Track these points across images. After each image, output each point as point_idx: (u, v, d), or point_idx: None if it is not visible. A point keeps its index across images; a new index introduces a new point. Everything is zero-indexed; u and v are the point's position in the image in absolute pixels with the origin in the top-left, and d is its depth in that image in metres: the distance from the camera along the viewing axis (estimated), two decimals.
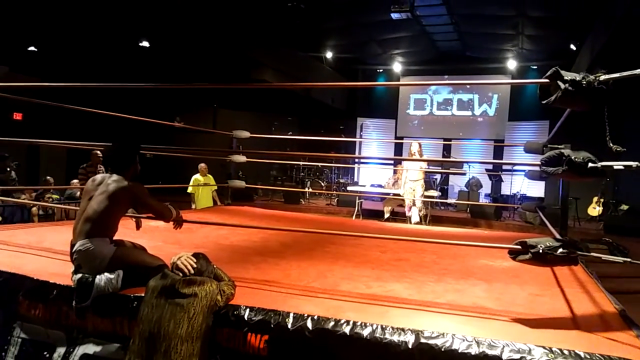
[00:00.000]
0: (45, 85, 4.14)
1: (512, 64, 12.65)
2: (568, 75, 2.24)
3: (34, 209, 7.29)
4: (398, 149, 14.03)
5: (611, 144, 2.30)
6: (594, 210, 9.93)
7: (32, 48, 11.11)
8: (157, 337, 2.07)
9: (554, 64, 2.46)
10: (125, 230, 3.01)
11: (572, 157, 2.28)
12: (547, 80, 2.32)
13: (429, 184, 11.11)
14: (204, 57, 11.49)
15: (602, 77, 2.20)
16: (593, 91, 2.20)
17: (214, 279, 2.38)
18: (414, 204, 7.47)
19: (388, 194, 9.08)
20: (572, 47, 10.28)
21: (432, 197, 9.26)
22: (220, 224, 4.50)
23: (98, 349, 2.44)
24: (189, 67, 11.92)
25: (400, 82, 14.28)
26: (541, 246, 2.31)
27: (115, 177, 2.73)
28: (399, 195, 8.06)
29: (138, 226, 3.35)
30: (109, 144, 2.98)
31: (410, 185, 7.52)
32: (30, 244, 3.57)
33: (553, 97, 2.28)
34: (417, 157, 7.27)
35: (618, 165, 2.27)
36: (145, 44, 10.96)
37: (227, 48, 10.44)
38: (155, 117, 5.80)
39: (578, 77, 2.22)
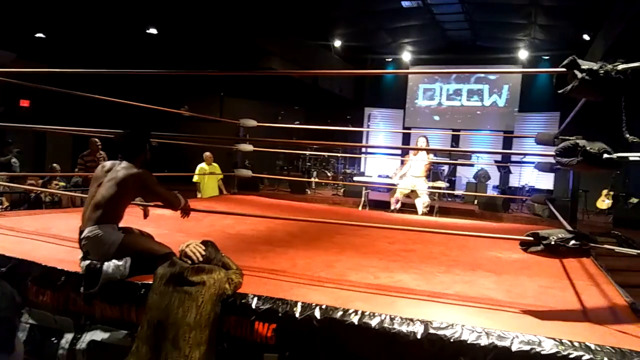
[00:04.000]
0: (53, 72, 4.13)
1: (523, 54, 12.46)
2: (585, 65, 2.19)
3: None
4: (406, 139, 13.94)
5: (627, 135, 2.25)
6: (603, 203, 9.83)
7: (39, 35, 11.10)
8: (165, 324, 2.07)
9: (566, 54, 2.41)
10: (132, 219, 3.01)
11: (588, 148, 2.24)
12: (563, 69, 2.27)
13: (437, 175, 11.04)
14: (212, 45, 11.43)
15: (620, 67, 2.15)
16: (610, 81, 2.15)
17: (222, 267, 2.37)
18: (413, 196, 7.33)
19: (395, 184, 9.02)
20: (586, 37, 10.11)
21: (440, 188, 9.19)
22: (228, 213, 4.49)
23: (106, 335, 2.45)
24: (197, 55, 11.87)
25: (410, 70, 14.11)
26: (553, 238, 2.27)
27: (124, 164, 2.73)
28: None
29: (145, 215, 3.34)
30: (119, 130, 2.98)
31: (411, 181, 7.29)
32: (37, 230, 3.59)
33: (569, 87, 2.23)
34: (425, 152, 7.06)
35: (634, 156, 2.23)
36: (153, 31, 10.92)
37: (235, 36, 10.38)
38: (161, 104, 5.78)
39: (595, 66, 2.18)
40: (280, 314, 2.20)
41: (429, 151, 7.08)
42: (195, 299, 2.12)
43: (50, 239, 3.37)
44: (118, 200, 2.65)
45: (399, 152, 12.97)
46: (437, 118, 14.45)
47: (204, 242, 2.41)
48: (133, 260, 2.56)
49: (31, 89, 5.02)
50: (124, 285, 2.49)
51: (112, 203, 2.63)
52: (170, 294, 2.14)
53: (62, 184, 7.94)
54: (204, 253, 2.33)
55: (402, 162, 9.22)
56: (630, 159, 2.21)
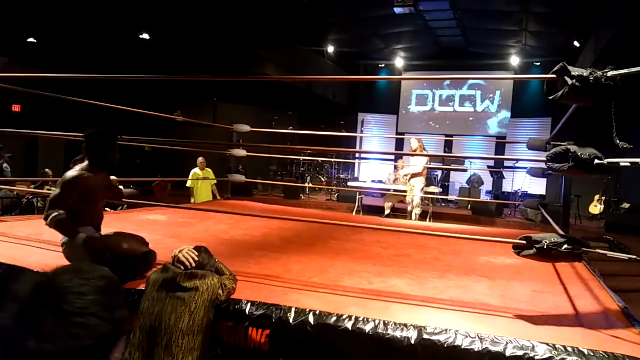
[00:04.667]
0: (45, 77, 4.12)
1: (515, 61, 12.59)
2: (575, 71, 2.22)
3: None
4: (399, 145, 14.01)
5: (618, 141, 2.28)
6: (596, 208, 9.92)
7: (31, 40, 11.06)
8: (158, 330, 2.06)
9: (557, 60, 2.44)
10: (125, 224, 2.99)
11: (579, 154, 2.26)
12: (554, 75, 2.30)
13: (430, 181, 11.10)
14: (205, 51, 11.44)
15: (610, 74, 2.18)
16: (600, 87, 2.17)
17: (215, 273, 2.36)
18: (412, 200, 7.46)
19: (389, 190, 9.06)
20: (576, 44, 10.22)
21: (433, 193, 9.23)
22: (219, 212, 4.48)
23: None
24: (190, 61, 11.87)
25: (403, 77, 14.22)
26: (546, 242, 2.29)
27: (78, 166, 2.78)
28: (399, 191, 8.05)
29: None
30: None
31: (411, 181, 7.51)
32: (29, 236, 3.55)
33: (560, 93, 2.25)
34: (419, 153, 7.23)
35: (624, 162, 2.25)
36: (146, 36, 10.91)
37: (228, 41, 10.39)
38: (155, 109, 5.77)
39: (585, 73, 2.20)
40: (274, 320, 2.19)
41: (422, 151, 7.26)
42: (188, 305, 2.10)
43: (42, 244, 3.34)
44: (66, 204, 2.63)
45: (392, 157, 13.04)
46: (430, 124, 14.53)
47: (197, 248, 2.40)
48: (111, 265, 2.53)
49: (23, 93, 5.00)
50: None
51: (69, 209, 2.64)
52: (163, 300, 2.13)
53: (55, 189, 7.88)
54: (197, 259, 2.31)
55: (396, 168, 9.30)
56: (621, 164, 2.23)
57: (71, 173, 2.73)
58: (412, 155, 7.37)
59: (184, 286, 2.16)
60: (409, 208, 7.63)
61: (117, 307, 0.86)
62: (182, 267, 2.26)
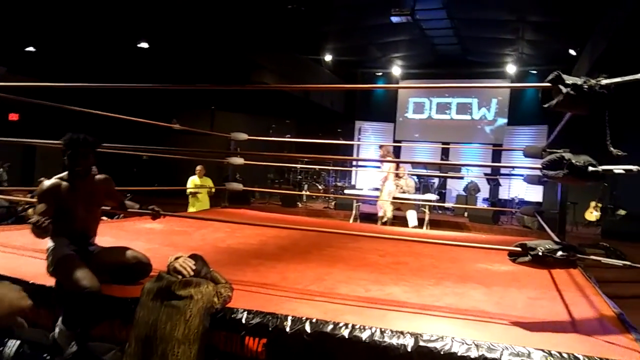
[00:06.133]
0: (42, 86, 4.13)
1: (511, 69, 12.67)
2: (570, 80, 2.24)
3: (30, 211, 7.22)
4: (396, 152, 14.02)
5: (612, 148, 2.30)
6: (592, 215, 9.94)
7: (30, 48, 11.08)
8: (153, 339, 2.05)
9: (553, 68, 2.47)
10: (121, 233, 2.99)
11: (573, 161, 2.28)
12: (548, 84, 2.32)
13: (427, 188, 11.13)
14: (203, 59, 11.49)
15: (604, 82, 2.21)
16: (594, 95, 2.20)
17: (210, 281, 2.35)
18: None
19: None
20: (572, 52, 10.30)
21: (430, 200, 9.25)
22: (216, 220, 4.48)
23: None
24: (188, 69, 11.91)
25: (400, 85, 14.29)
26: (541, 249, 2.30)
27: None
28: (397, 198, 8.08)
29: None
30: (113, 145, 2.98)
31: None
32: (25, 245, 3.54)
33: (554, 101, 2.28)
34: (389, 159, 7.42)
35: (619, 169, 2.27)
36: (144, 45, 10.95)
37: (227, 50, 10.44)
38: (152, 118, 5.78)
39: (579, 81, 2.23)
40: (270, 329, 2.19)
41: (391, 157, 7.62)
42: (183, 313, 2.10)
43: (37, 254, 3.32)
44: (46, 214, 2.62)
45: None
46: (427, 131, 14.57)
47: (193, 256, 2.40)
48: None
49: (20, 102, 5.00)
50: (112, 302, 2.46)
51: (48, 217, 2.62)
52: (158, 308, 2.12)
53: None
54: (194, 267, 2.31)
55: (397, 175, 9.34)
56: (615, 171, 2.25)
57: (43, 183, 2.75)
58: (396, 162, 7.59)
59: (179, 294, 2.15)
60: (380, 213, 7.87)
61: None
62: (180, 277, 2.26)
